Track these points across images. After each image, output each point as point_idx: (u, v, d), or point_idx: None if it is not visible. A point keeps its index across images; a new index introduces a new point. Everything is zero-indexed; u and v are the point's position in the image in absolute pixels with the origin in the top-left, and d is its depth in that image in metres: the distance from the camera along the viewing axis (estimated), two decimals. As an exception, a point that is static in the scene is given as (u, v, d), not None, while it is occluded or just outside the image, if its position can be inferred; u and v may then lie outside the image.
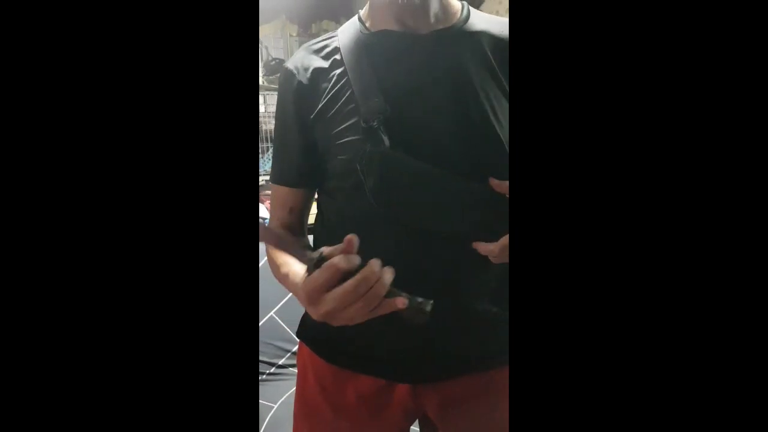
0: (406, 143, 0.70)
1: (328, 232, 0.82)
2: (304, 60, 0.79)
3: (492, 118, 0.72)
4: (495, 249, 0.68)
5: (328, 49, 0.79)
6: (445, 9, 0.77)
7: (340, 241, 0.56)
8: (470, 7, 0.80)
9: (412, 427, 0.90)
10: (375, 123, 0.69)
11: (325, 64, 0.77)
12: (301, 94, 0.77)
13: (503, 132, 0.72)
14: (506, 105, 0.74)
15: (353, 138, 0.72)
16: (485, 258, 0.69)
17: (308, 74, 0.77)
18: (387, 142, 0.68)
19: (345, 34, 0.79)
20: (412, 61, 0.73)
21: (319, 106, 0.75)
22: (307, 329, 0.88)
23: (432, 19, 0.75)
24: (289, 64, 0.80)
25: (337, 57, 0.77)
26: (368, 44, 0.75)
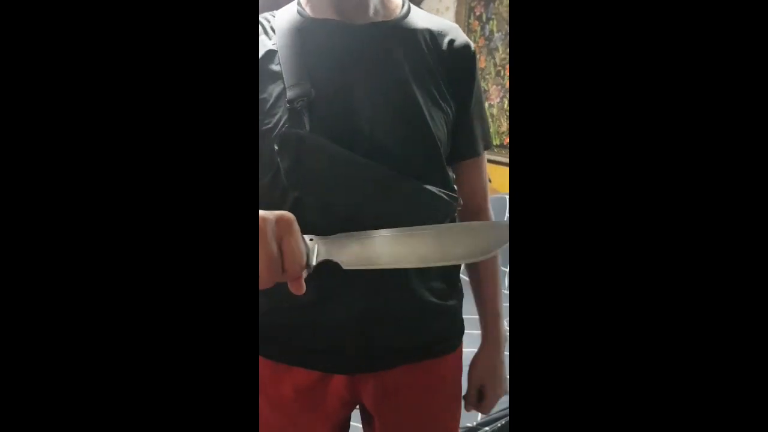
0: (330, 129, 0.70)
1: None
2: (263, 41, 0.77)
3: (425, 113, 0.73)
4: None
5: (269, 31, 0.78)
6: (385, 3, 0.79)
7: None
8: (411, 5, 0.82)
9: (353, 423, 0.89)
10: (298, 105, 0.69)
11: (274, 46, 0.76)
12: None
13: (435, 127, 0.74)
14: (441, 102, 0.76)
15: (276, 121, 0.71)
16: None
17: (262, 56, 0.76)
18: (308, 125, 0.69)
19: (281, 17, 0.78)
20: (345, 50, 0.74)
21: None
22: None
23: (371, 12, 0.76)
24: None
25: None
26: (302, 30, 0.75)
